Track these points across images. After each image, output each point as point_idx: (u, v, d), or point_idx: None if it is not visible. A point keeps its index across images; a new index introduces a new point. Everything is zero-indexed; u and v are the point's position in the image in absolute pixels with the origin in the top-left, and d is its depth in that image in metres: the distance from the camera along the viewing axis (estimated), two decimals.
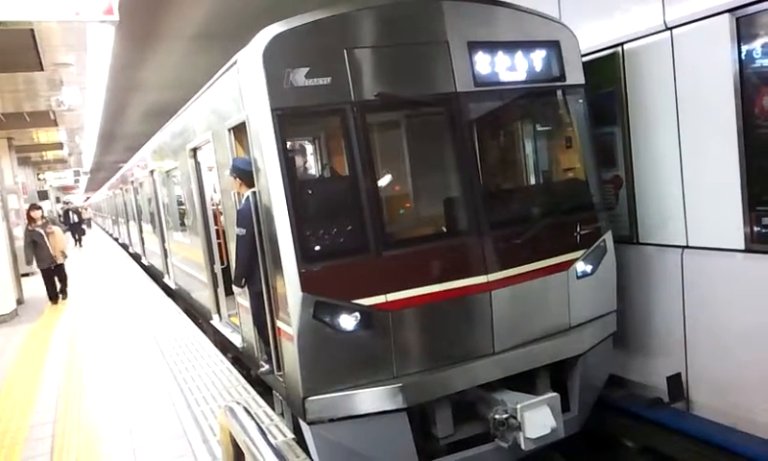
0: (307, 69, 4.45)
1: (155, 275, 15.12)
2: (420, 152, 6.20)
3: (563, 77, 5.40)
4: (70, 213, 30.06)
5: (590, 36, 5.81)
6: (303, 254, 4.47)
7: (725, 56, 4.72)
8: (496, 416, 4.72)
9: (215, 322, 8.04)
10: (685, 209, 5.29)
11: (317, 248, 4.59)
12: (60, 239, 12.87)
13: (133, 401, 6.18)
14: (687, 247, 5.31)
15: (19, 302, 12.90)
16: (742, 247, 4.83)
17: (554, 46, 5.35)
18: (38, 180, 30.74)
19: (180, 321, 9.86)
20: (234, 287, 5.98)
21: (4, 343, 9.64)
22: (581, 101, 5.56)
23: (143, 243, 17.21)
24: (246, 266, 5.42)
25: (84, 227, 32.71)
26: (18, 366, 8.14)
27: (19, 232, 17.08)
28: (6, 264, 12.10)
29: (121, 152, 29.01)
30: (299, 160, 6.73)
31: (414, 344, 4.77)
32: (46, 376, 7.49)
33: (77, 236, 29.13)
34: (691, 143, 5.17)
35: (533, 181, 6.31)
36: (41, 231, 12.39)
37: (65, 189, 47.55)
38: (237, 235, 5.37)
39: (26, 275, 16.25)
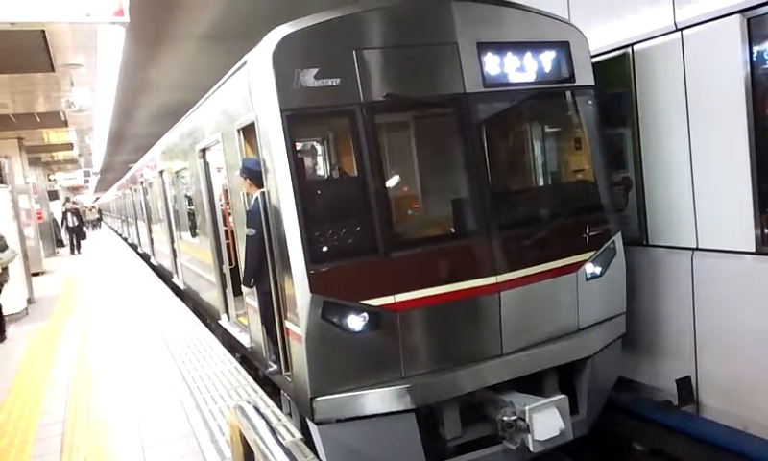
0: (316, 70, 4.46)
1: (163, 275, 15.19)
2: (429, 153, 6.20)
3: (572, 78, 5.38)
4: (69, 215, 26.01)
5: (600, 37, 5.80)
6: (312, 255, 4.48)
7: (736, 57, 4.70)
8: (504, 417, 4.71)
9: (223, 322, 8.06)
10: (696, 211, 5.26)
11: (325, 248, 4.60)
12: None
13: (143, 400, 6.21)
14: (698, 249, 5.28)
15: (30, 301, 12.98)
16: (753, 249, 4.80)
17: (563, 47, 5.34)
18: (49, 180, 30.85)
19: (188, 321, 9.90)
20: (243, 287, 6.01)
21: (15, 341, 9.71)
22: (590, 102, 5.54)
23: (152, 243, 17.30)
24: (255, 267, 5.43)
25: (84, 230, 29.29)
26: (29, 365, 8.19)
27: (30, 232, 17.24)
28: (17, 263, 12.18)
29: (130, 152, 29.10)
30: (308, 161, 6.75)
31: (422, 345, 4.77)
32: (56, 374, 7.53)
33: (76, 242, 25.73)
34: (702, 144, 5.14)
35: (542, 183, 6.30)
36: None
37: (75, 190, 47.71)
38: (247, 236, 5.39)
39: (36, 274, 16.39)
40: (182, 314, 10.50)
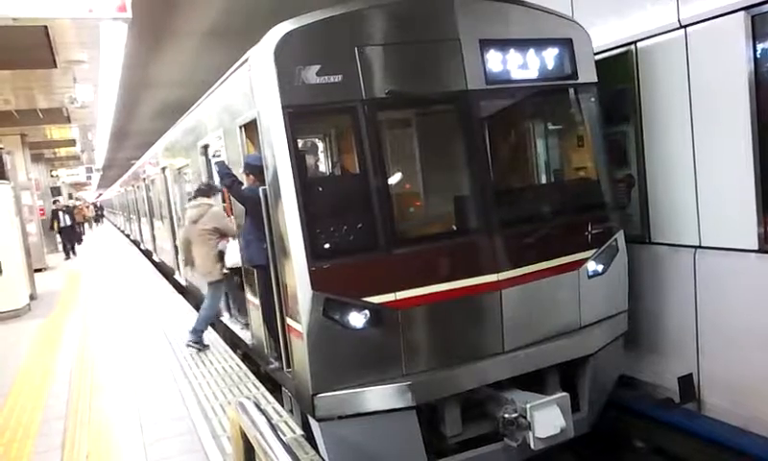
0: (318, 67, 4.45)
1: (166, 272, 15.21)
2: (431, 150, 6.19)
3: (575, 75, 5.36)
4: (60, 214, 22.01)
5: (603, 34, 5.77)
6: (313, 252, 4.47)
7: (740, 54, 4.67)
8: (506, 415, 4.71)
9: (225, 318, 8.07)
10: (698, 209, 5.24)
11: (327, 246, 4.60)
12: None
13: (144, 397, 6.22)
14: (700, 247, 5.26)
15: (32, 297, 13.00)
16: (756, 247, 4.78)
17: (566, 44, 5.32)
18: (51, 176, 30.87)
19: (190, 317, 9.90)
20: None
21: (17, 337, 9.73)
22: (593, 99, 5.52)
23: (154, 240, 17.32)
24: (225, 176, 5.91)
25: (79, 231, 25.91)
26: (31, 360, 8.21)
27: (33, 228, 17.25)
28: (19, 260, 12.21)
29: (133, 149, 29.14)
30: (309, 158, 6.73)
31: (423, 342, 4.76)
32: (58, 370, 7.54)
33: (70, 245, 22.06)
34: (705, 142, 5.12)
35: (544, 180, 6.29)
36: None
37: (78, 186, 47.58)
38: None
39: (39, 270, 16.41)
40: (184, 311, 10.51)
